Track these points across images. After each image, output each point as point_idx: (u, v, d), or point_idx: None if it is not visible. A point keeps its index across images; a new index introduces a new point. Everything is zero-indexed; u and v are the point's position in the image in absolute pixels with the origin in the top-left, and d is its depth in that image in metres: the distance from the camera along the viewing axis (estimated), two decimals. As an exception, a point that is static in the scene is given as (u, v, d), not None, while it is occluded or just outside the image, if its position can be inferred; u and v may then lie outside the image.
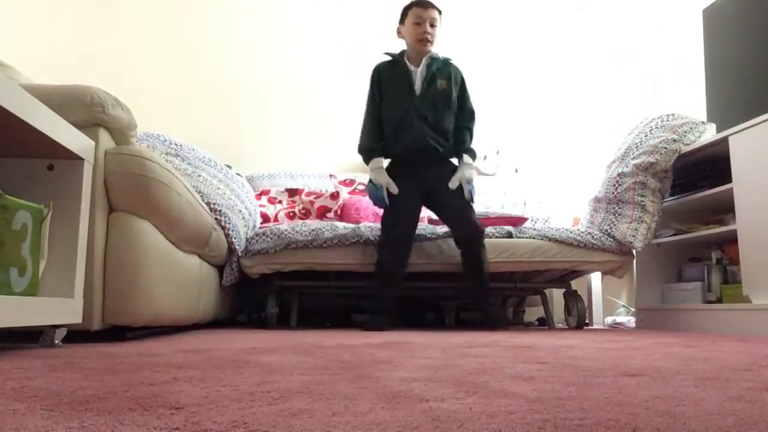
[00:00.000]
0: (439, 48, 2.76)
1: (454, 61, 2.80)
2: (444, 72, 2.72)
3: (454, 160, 2.74)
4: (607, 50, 4.29)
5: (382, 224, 2.66)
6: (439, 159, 2.70)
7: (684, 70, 4.09)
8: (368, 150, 2.68)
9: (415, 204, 2.66)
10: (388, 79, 2.73)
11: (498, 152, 3.83)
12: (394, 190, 2.60)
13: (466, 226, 2.59)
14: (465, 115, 2.76)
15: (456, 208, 2.62)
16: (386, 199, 2.60)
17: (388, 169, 2.69)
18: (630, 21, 4.32)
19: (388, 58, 2.79)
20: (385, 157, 2.72)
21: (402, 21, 2.73)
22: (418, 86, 2.68)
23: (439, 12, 2.69)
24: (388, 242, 2.61)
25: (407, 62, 2.72)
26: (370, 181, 2.65)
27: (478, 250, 2.59)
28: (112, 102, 1.56)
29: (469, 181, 2.64)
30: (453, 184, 2.62)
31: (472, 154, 2.72)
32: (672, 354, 1.40)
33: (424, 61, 2.69)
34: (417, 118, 2.65)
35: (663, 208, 2.84)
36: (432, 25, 2.65)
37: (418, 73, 2.69)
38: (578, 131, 4.19)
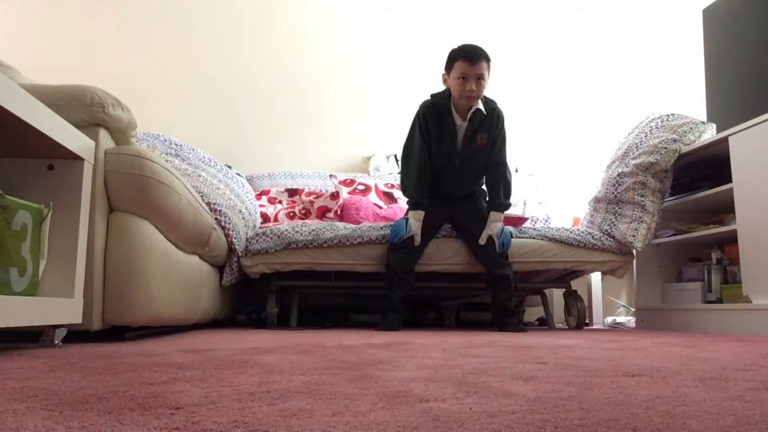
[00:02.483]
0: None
1: (499, 102, 2.69)
2: (485, 125, 2.61)
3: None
4: (607, 50, 4.28)
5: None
6: (467, 195, 2.78)
7: (684, 70, 4.09)
8: (416, 203, 2.66)
9: (433, 226, 2.71)
10: (432, 127, 2.63)
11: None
12: (417, 241, 2.64)
13: (492, 267, 2.66)
14: (497, 167, 2.70)
15: (481, 248, 2.68)
16: (403, 239, 2.63)
17: None
18: (630, 21, 4.32)
19: (431, 97, 2.67)
20: None
21: (447, 69, 2.56)
22: (460, 141, 2.63)
23: (488, 61, 2.51)
24: (400, 246, 2.63)
25: (454, 112, 2.60)
26: (407, 220, 2.65)
27: (505, 284, 2.65)
28: (112, 102, 1.56)
29: (498, 235, 2.64)
30: (482, 240, 2.66)
31: (503, 209, 2.70)
32: (672, 354, 1.40)
33: (468, 114, 2.59)
34: (454, 173, 2.68)
35: (663, 208, 2.84)
36: (478, 80, 2.48)
37: (463, 128, 2.61)
38: (578, 131, 4.19)
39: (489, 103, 2.64)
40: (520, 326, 2.69)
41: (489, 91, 2.64)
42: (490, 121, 2.63)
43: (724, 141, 2.55)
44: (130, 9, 4.06)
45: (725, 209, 2.70)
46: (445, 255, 2.75)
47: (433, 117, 2.63)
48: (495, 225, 2.65)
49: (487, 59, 2.51)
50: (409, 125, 2.73)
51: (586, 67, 4.27)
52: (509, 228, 2.76)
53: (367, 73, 4.18)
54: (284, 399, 0.74)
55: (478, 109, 2.58)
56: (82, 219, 1.45)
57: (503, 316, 2.63)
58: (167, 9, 4.09)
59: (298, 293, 2.92)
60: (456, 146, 2.64)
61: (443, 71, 2.60)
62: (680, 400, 0.75)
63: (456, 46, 2.56)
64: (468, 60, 2.48)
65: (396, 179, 3.67)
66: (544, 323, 3.16)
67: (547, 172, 4.00)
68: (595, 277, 3.65)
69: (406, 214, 2.73)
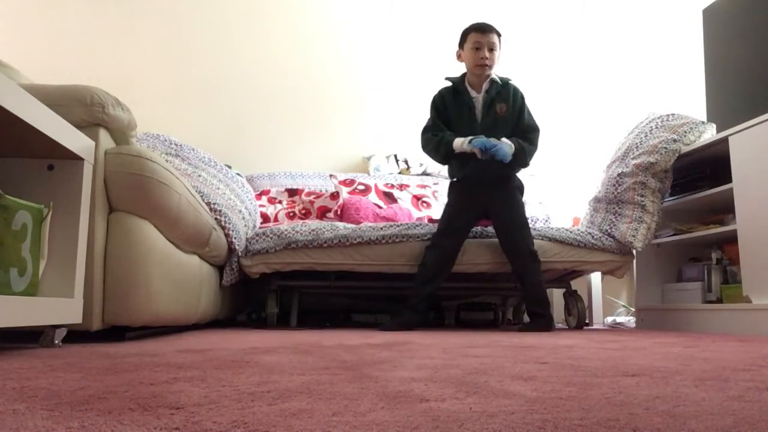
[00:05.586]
0: (500, 69, 2.73)
1: (513, 81, 2.76)
2: (503, 94, 2.69)
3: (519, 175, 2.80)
4: (607, 50, 4.28)
5: (438, 228, 2.72)
6: (502, 181, 2.72)
7: (684, 70, 4.09)
8: (449, 153, 2.64)
9: (469, 221, 2.73)
10: (451, 107, 2.71)
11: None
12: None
13: (520, 255, 2.64)
14: (523, 128, 2.70)
15: (512, 234, 2.66)
16: (487, 143, 2.53)
17: (451, 190, 2.77)
18: (630, 21, 4.32)
19: (449, 83, 2.74)
20: (450, 177, 2.84)
21: (461, 45, 2.71)
22: (479, 113, 2.68)
23: (499, 35, 2.67)
24: (437, 247, 2.65)
25: (468, 88, 2.70)
26: (469, 142, 2.57)
27: (532, 271, 2.63)
28: (112, 102, 1.56)
29: (494, 145, 2.53)
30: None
31: (517, 145, 2.60)
32: (672, 354, 1.40)
33: (483, 86, 2.68)
34: None
35: (663, 208, 2.84)
36: (491, 50, 2.63)
37: (480, 99, 2.68)
38: (578, 131, 4.19)
39: (503, 78, 2.74)
40: (550, 325, 2.62)
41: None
42: (506, 92, 2.71)
43: (724, 141, 2.55)
44: (130, 9, 4.06)
45: (725, 209, 2.70)
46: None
47: (448, 96, 2.73)
48: (501, 141, 2.57)
49: (498, 34, 2.67)
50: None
51: (586, 67, 4.27)
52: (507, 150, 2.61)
53: (366, 73, 4.18)
54: (284, 399, 0.74)
55: (493, 80, 2.68)
56: (82, 219, 1.45)
57: (533, 316, 2.66)
58: (167, 9, 4.09)
59: (298, 293, 2.92)
60: (476, 118, 2.69)
61: (457, 49, 2.72)
62: (680, 400, 0.75)
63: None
64: (480, 30, 2.66)
65: (396, 179, 3.68)
66: (544, 323, 3.16)
67: (547, 172, 4.00)
68: (595, 277, 3.65)
69: (452, 155, 2.66)
